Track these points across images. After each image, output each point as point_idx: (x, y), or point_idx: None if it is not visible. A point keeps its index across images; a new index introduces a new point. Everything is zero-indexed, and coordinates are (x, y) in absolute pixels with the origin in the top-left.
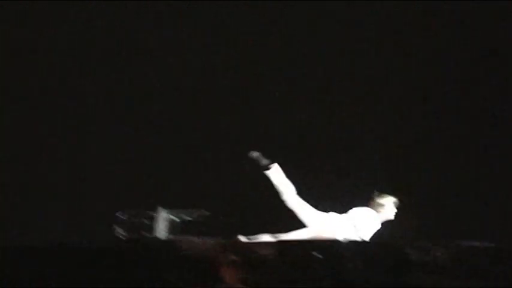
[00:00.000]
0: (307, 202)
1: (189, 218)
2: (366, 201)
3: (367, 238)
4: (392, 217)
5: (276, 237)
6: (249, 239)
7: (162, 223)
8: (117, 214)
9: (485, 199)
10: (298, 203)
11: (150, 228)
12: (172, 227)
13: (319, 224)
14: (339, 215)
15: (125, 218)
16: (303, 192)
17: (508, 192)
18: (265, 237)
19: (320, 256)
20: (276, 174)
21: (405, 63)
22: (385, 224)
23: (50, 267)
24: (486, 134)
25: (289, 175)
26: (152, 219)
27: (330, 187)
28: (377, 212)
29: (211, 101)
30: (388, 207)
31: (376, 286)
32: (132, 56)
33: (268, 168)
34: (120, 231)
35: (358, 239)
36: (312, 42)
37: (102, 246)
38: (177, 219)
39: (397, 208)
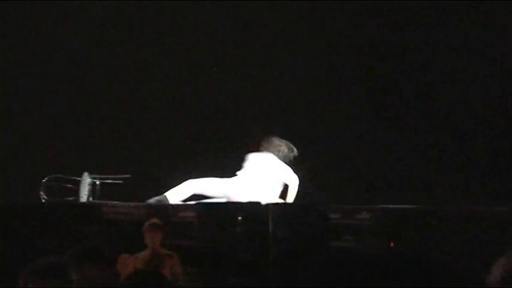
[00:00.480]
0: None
1: (113, 183)
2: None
3: (291, 197)
4: (292, 157)
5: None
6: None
7: (86, 188)
8: (43, 180)
9: (406, 162)
10: (209, 187)
11: (74, 193)
12: (96, 191)
13: (241, 191)
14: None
15: (49, 183)
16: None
17: (425, 153)
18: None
19: (242, 218)
20: (174, 197)
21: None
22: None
23: None
24: (402, 95)
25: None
26: (76, 183)
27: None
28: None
29: (132, 65)
30: (281, 148)
31: (299, 248)
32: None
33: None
34: (44, 196)
35: (280, 200)
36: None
37: (26, 210)
38: (100, 184)
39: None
